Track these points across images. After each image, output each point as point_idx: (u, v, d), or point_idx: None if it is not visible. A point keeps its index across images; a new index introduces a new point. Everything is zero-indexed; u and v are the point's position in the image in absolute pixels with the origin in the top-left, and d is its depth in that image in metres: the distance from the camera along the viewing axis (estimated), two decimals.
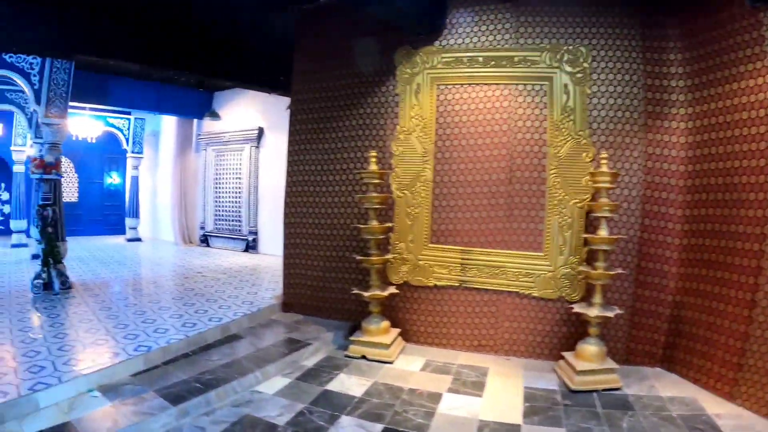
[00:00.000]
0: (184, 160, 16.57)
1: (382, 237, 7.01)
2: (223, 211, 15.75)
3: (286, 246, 8.56)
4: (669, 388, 5.78)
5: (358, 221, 7.60)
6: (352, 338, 6.87)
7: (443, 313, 7.28)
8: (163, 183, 18.05)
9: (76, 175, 18.93)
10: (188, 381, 5.47)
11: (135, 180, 17.84)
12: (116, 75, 13.41)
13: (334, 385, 5.80)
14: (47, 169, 9.19)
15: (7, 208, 18.08)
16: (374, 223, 6.83)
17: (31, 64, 9.25)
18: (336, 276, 8.02)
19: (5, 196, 18.12)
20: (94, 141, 16.05)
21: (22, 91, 11.70)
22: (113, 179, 20.01)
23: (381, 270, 7.11)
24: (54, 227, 9.08)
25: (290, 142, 8.51)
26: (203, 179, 16.27)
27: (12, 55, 9.14)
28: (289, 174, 8.48)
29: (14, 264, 12.03)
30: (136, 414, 4.71)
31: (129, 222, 17.82)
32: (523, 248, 6.90)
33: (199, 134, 16.41)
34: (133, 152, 17.75)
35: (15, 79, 9.31)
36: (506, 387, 5.92)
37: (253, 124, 14.66)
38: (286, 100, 11.93)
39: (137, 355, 5.87)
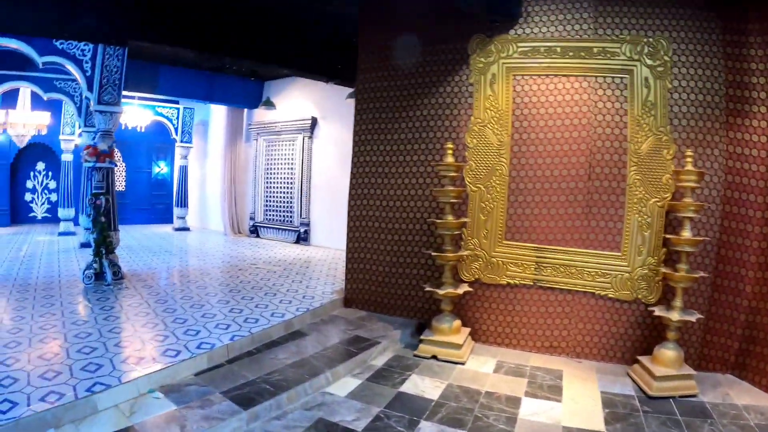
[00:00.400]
0: (234, 149, 16.31)
1: (457, 232, 6.67)
2: (274, 201, 15.43)
3: (349, 239, 8.18)
4: (743, 396, 5.46)
5: (428, 215, 7.30)
6: (422, 337, 6.50)
7: (515, 313, 6.90)
8: (212, 172, 17.89)
9: (123, 163, 18.83)
10: (256, 382, 5.15)
11: (183, 169, 17.52)
12: (167, 64, 13.23)
13: (407, 387, 5.49)
14: (101, 157, 8.83)
15: (54, 197, 18.20)
16: (450, 218, 6.45)
17: (83, 50, 8.92)
18: (402, 271, 7.66)
19: (52, 184, 18.22)
20: (143, 130, 15.89)
21: (72, 80, 11.76)
22: (161, 168, 19.88)
23: (454, 267, 6.75)
24: (107, 216, 8.79)
25: (356, 133, 8.12)
26: (254, 169, 15.97)
27: (63, 41, 8.80)
28: (355, 165, 8.12)
29: (63, 252, 11.76)
30: (206, 419, 4.36)
31: (177, 211, 17.53)
32: (600, 247, 6.51)
33: (250, 124, 16.15)
34: (182, 142, 17.44)
35: (67, 65, 8.93)
36: (583, 391, 5.56)
37: (306, 113, 14.24)
38: (341, 90, 12.12)
39: (200, 353, 5.52)
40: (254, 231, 15.88)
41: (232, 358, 5.73)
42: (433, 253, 6.57)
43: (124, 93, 12.08)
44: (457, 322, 6.59)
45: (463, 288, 6.64)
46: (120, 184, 18.67)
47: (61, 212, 15.41)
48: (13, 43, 8.44)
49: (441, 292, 6.38)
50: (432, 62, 7.39)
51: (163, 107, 17.06)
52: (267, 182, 15.59)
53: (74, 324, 6.27)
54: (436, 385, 5.53)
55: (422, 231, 7.43)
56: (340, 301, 8.05)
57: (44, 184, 18.34)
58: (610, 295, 6.42)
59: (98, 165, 8.80)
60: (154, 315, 6.84)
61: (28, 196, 18.21)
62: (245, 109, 16.30)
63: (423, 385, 5.52)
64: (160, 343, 5.75)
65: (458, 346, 6.33)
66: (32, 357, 5.11)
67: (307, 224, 14.40)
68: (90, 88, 8.91)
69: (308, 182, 14.37)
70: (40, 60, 8.71)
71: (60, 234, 15.02)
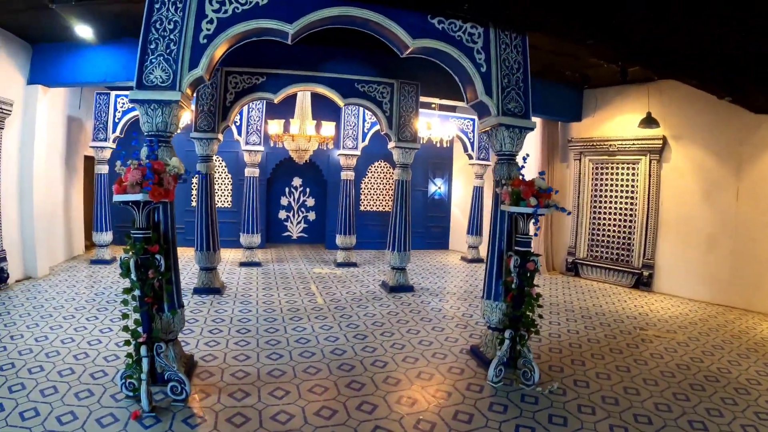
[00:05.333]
0: (548, 171, 13.57)
1: None
2: (603, 235, 12.79)
3: None
4: None
5: None
6: None
7: None
8: None
9: None
10: None
11: (478, 191, 15.23)
12: None
13: None
14: (542, 198, 5.72)
15: (312, 215, 17.15)
16: None
17: (471, 35, 6.41)
18: None
19: (310, 202, 17.04)
20: (447, 145, 13.77)
21: (378, 82, 9.96)
22: (437, 187, 17.69)
23: None
24: (530, 281, 5.94)
25: None
26: (575, 195, 13.36)
27: (443, 19, 6.33)
28: None
29: (376, 300, 9.71)
30: None
31: (469, 240, 15.29)
32: None
33: (570, 140, 13.51)
34: (478, 159, 15.19)
35: (452, 53, 6.35)
36: None
37: (653, 131, 11.49)
38: (702, 104, 10.56)
39: None
40: (572, 269, 13.35)
41: None
42: None
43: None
44: None
45: None
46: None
47: (341, 240, 13.53)
48: (369, 15, 6.05)
49: None
50: None
51: (458, 119, 15.08)
52: (594, 211, 13.01)
53: None
54: None
55: None
56: None
57: (301, 201, 17.08)
58: None
59: (540, 212, 5.74)
60: None
61: (282, 214, 17.08)
62: (559, 122, 13.79)
63: None
64: None
65: None
66: None
67: (651, 266, 11.87)
68: (488, 91, 6.39)
69: (656, 215, 11.76)
70: (412, 43, 6.17)
71: (338, 265, 13.35)
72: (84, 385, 5.21)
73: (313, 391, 5.45)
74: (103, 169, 12.41)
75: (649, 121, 10.72)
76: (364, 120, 13.44)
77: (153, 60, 5.28)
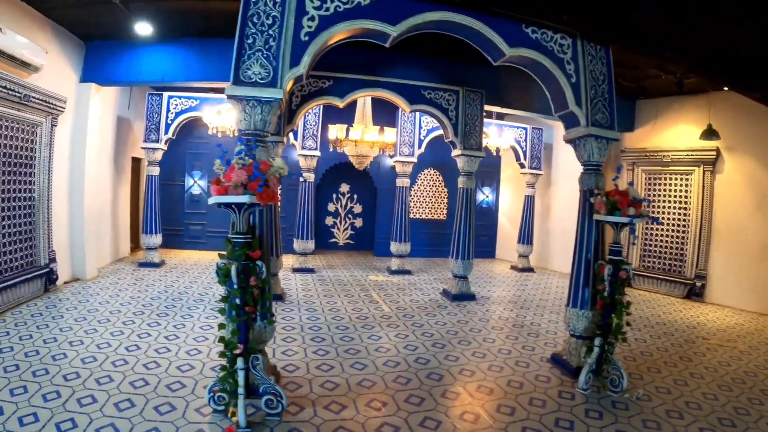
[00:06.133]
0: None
1: None
2: (655, 245, 12.46)
3: None
4: None
5: None
6: None
7: None
8: (560, 204, 15.13)
9: (446, 189, 16.53)
10: None
11: (529, 200, 14.83)
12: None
13: None
14: (637, 208, 5.74)
15: (359, 222, 16.89)
16: None
17: (561, 45, 6.29)
18: None
19: (357, 208, 16.78)
20: (503, 153, 13.50)
21: (445, 90, 9.69)
22: (485, 195, 17.35)
23: None
24: (621, 291, 5.91)
25: None
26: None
27: (536, 29, 6.21)
28: None
29: (440, 309, 9.40)
30: None
31: (520, 249, 14.88)
32: None
33: (623, 150, 13.24)
34: (530, 168, 14.82)
35: (543, 62, 6.25)
36: None
37: (706, 142, 11.27)
38: (757, 115, 10.18)
39: None
40: None
41: None
42: None
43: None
44: None
45: None
46: (441, 213, 16.59)
47: (395, 247, 13.21)
48: (470, 21, 5.96)
49: None
50: None
51: (510, 127, 14.74)
52: (646, 222, 12.54)
53: None
54: None
55: None
56: None
57: (348, 207, 16.79)
58: None
59: (635, 220, 5.75)
60: None
61: (329, 221, 16.80)
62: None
63: None
64: None
65: None
66: None
67: (704, 277, 11.60)
68: (578, 102, 6.31)
69: (709, 226, 11.53)
70: (508, 51, 6.09)
71: (393, 272, 13.09)
72: (162, 398, 4.93)
73: (410, 401, 5.24)
74: (154, 170, 12.14)
75: (710, 133, 10.58)
76: (420, 127, 13.12)
77: (251, 55, 5.04)
